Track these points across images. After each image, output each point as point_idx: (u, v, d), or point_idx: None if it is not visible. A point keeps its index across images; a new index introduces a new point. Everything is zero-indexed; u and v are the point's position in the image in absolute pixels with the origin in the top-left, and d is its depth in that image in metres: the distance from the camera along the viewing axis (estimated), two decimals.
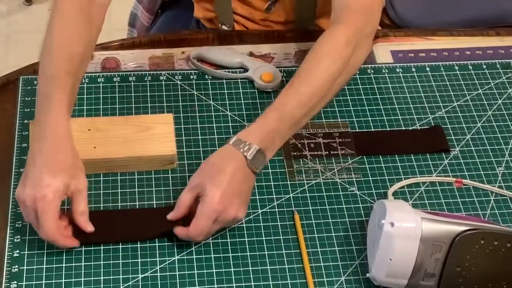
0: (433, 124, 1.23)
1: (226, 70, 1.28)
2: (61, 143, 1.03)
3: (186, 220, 1.05)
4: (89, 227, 1.04)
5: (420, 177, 1.16)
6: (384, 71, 1.31)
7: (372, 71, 1.30)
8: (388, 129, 1.22)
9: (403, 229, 0.98)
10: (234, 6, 1.40)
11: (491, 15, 1.67)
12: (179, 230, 1.05)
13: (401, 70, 1.31)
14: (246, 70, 1.28)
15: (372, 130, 1.21)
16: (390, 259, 0.97)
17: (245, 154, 1.05)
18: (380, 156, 1.18)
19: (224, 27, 1.42)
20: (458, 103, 1.27)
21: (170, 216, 1.06)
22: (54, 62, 1.08)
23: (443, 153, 1.19)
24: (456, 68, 1.32)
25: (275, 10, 1.39)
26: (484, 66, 1.33)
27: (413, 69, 1.32)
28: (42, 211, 1.00)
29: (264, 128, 1.08)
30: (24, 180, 1.02)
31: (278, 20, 1.40)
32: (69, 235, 1.04)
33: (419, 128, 1.22)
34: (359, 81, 1.28)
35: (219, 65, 1.29)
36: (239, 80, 1.27)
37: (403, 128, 1.22)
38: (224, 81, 1.27)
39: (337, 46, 1.14)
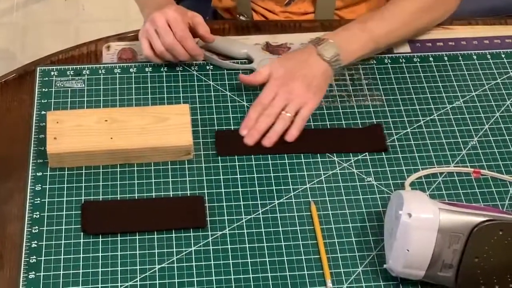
0: (451, 115, 1.22)
1: (232, 61, 1.28)
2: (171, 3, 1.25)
3: None
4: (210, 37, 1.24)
5: (437, 167, 1.15)
6: (401, 61, 1.30)
7: (390, 61, 1.30)
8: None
9: (421, 220, 0.97)
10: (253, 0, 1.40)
11: (510, 3, 1.65)
12: (243, 76, 1.20)
13: (418, 60, 1.30)
14: (251, 61, 1.28)
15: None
16: (408, 250, 0.97)
17: (315, 44, 1.18)
18: (398, 147, 1.17)
19: (242, 17, 1.41)
20: (476, 92, 1.26)
21: (245, 78, 1.19)
22: None
23: (461, 143, 1.18)
24: (475, 57, 1.31)
25: (294, 3, 1.39)
26: (503, 55, 1.32)
27: (431, 59, 1.31)
28: (173, 17, 1.18)
29: (341, 30, 1.21)
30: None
31: (297, 11, 1.40)
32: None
33: (360, 126, 1.20)
34: (376, 71, 1.28)
35: (225, 55, 1.29)
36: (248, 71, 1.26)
37: (344, 127, 1.20)
38: (240, 71, 1.26)
39: None
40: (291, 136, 1.14)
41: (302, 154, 1.16)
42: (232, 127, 1.19)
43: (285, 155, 1.16)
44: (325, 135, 1.19)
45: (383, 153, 1.17)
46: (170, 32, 1.20)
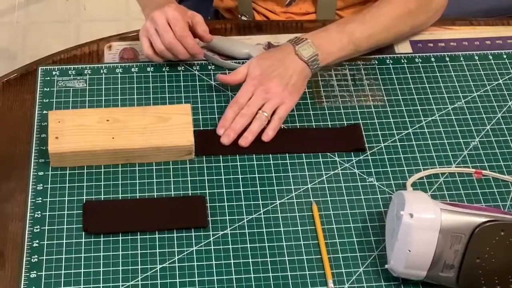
0: (452, 115, 1.22)
1: (233, 61, 1.27)
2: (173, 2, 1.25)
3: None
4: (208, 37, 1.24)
5: (439, 167, 1.15)
6: (403, 61, 1.30)
7: (391, 62, 1.30)
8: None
9: (422, 220, 0.97)
10: (254, 0, 1.40)
11: (511, 4, 1.65)
12: (220, 76, 1.21)
13: (420, 60, 1.30)
14: None
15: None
16: (409, 250, 0.97)
17: (293, 44, 1.18)
18: (399, 147, 1.18)
19: (243, 17, 1.41)
20: (478, 93, 1.26)
21: (222, 78, 1.20)
22: None
23: (462, 144, 1.18)
24: (476, 58, 1.31)
25: (295, 4, 1.39)
26: (505, 56, 1.32)
27: (432, 59, 1.31)
28: (173, 16, 1.19)
29: (321, 31, 1.21)
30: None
31: (299, 12, 1.40)
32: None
33: (338, 126, 1.20)
34: (377, 71, 1.28)
35: (226, 55, 1.29)
36: None
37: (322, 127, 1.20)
38: (227, 71, 1.26)
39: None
40: (267, 136, 1.15)
41: (303, 154, 1.16)
42: None
43: (287, 154, 1.16)
44: (301, 135, 1.18)
45: (384, 153, 1.17)
46: (170, 30, 1.20)
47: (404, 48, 1.33)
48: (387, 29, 1.25)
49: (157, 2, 1.26)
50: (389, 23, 1.25)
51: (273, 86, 1.16)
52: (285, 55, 1.19)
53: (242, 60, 1.28)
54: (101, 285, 1.01)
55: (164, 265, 1.03)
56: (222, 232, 1.07)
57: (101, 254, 1.04)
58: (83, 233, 1.06)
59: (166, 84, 1.25)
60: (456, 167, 1.16)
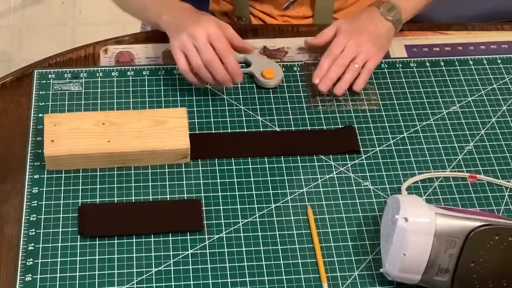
0: (447, 120, 1.23)
1: None
2: (193, 9, 1.22)
3: None
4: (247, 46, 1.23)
5: (434, 172, 1.16)
6: (398, 66, 1.30)
7: (386, 66, 1.30)
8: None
9: (417, 224, 0.97)
10: (251, 2, 1.40)
11: (508, 9, 1.65)
12: (308, 39, 1.29)
13: (415, 65, 1.31)
14: (249, 65, 1.28)
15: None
16: (404, 254, 0.97)
17: (377, 6, 1.27)
18: (394, 151, 1.18)
19: (240, 21, 1.42)
20: (472, 98, 1.27)
21: (310, 41, 1.27)
22: None
23: (457, 148, 1.19)
24: (471, 62, 1.32)
25: (293, 7, 1.39)
26: (499, 61, 1.32)
27: (427, 64, 1.31)
28: (215, 33, 1.16)
29: None
30: (176, 31, 1.18)
31: (296, 15, 1.40)
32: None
33: (333, 128, 1.21)
34: (372, 76, 1.28)
35: None
36: (245, 75, 1.26)
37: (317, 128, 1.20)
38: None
39: None
40: (358, 86, 1.24)
41: (299, 158, 1.16)
42: (229, 130, 1.19)
43: (282, 158, 1.16)
44: (296, 137, 1.19)
45: (379, 157, 1.17)
46: (210, 47, 1.16)
47: (399, 53, 1.33)
48: None
49: (179, 8, 1.22)
50: None
51: (364, 40, 1.24)
52: (371, 16, 1.27)
53: (240, 64, 1.28)
54: None
55: (159, 268, 1.03)
56: (218, 236, 1.07)
57: (97, 257, 1.04)
58: (79, 236, 1.06)
59: (162, 88, 1.25)
60: (450, 171, 1.16)
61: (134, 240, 1.06)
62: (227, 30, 1.20)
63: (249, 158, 1.16)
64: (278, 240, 1.07)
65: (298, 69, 1.29)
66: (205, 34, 1.16)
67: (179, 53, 1.18)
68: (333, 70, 1.23)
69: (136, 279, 1.02)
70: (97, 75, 1.26)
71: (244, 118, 1.21)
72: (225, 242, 1.06)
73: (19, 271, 1.02)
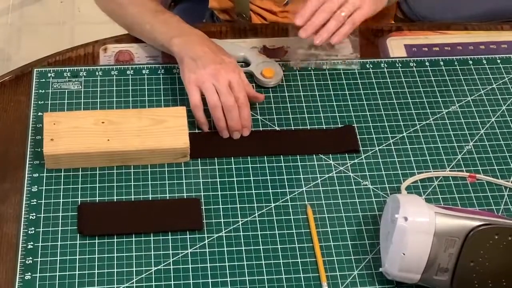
0: (447, 119, 1.23)
1: None
2: (206, 37, 1.20)
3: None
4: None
5: (433, 171, 1.16)
6: (397, 65, 1.30)
7: (386, 65, 1.30)
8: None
9: (417, 224, 0.97)
10: (251, 0, 1.40)
11: (507, 9, 1.65)
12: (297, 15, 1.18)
13: (414, 65, 1.31)
14: (249, 64, 1.28)
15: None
16: (403, 254, 0.97)
17: None
18: (393, 151, 1.18)
19: (240, 18, 1.41)
20: (472, 97, 1.27)
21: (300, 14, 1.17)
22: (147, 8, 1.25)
23: (456, 148, 1.19)
24: (470, 62, 1.32)
25: (293, 3, 1.39)
26: (499, 60, 1.32)
27: (427, 63, 1.31)
28: (238, 83, 1.14)
29: None
30: (193, 65, 1.15)
31: (296, 11, 1.40)
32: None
33: (332, 127, 1.20)
34: (372, 75, 1.28)
35: None
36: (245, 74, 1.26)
37: (316, 127, 1.20)
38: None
39: None
40: (336, 38, 1.17)
41: (298, 157, 1.16)
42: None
43: (282, 157, 1.16)
44: (295, 137, 1.19)
45: (379, 156, 1.17)
46: (232, 94, 1.14)
47: (398, 52, 1.33)
48: None
49: (194, 34, 1.20)
50: None
51: None
52: None
53: (240, 63, 1.28)
54: (95, 287, 1.01)
55: (159, 267, 1.03)
56: (217, 235, 1.07)
57: (96, 256, 1.04)
58: (78, 235, 1.06)
59: (162, 87, 1.25)
60: (450, 171, 1.16)
61: (133, 239, 1.06)
62: (245, 79, 1.17)
63: (249, 157, 1.16)
64: (278, 239, 1.07)
65: (298, 69, 1.29)
66: (227, 79, 1.14)
67: (194, 88, 1.15)
68: (318, 15, 1.17)
69: (135, 278, 1.02)
70: (97, 74, 1.26)
71: None
72: (224, 241, 1.06)
73: (18, 270, 1.02)
